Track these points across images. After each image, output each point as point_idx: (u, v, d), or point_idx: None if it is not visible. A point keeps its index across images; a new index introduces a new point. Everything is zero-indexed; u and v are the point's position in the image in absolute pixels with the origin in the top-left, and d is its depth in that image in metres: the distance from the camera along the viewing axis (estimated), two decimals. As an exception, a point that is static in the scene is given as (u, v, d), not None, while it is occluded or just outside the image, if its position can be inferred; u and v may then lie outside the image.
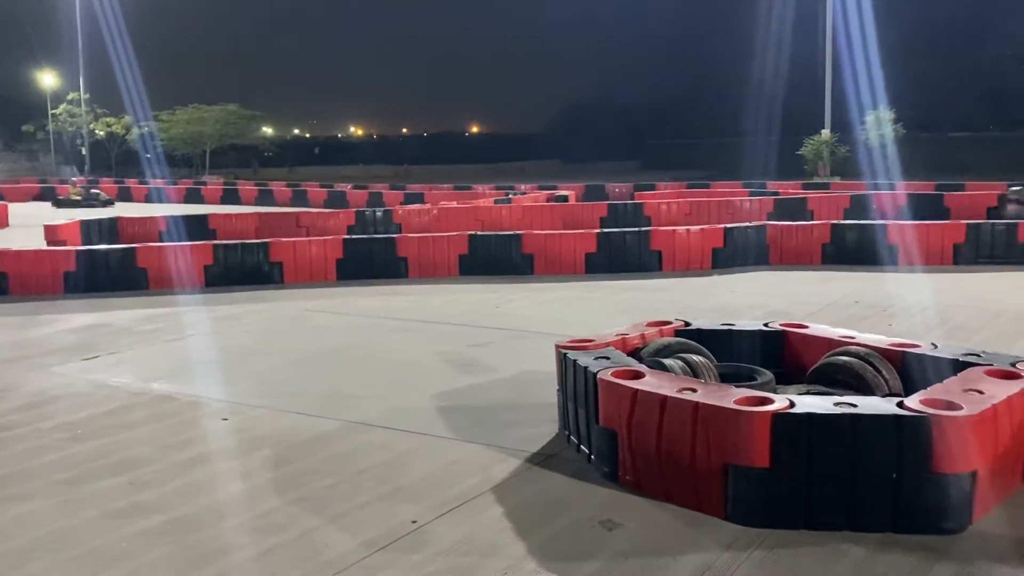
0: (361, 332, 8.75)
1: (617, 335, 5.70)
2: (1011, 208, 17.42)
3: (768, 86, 34.21)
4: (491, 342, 8.07)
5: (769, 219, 16.13)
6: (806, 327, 5.99)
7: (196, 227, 17.08)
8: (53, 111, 55.04)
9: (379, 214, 17.58)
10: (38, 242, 14.81)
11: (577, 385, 5.00)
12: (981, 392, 4.23)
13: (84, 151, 54.07)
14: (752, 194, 21.73)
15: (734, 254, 12.70)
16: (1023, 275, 11.50)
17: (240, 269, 11.94)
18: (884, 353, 5.21)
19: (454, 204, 19.71)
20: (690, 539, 3.96)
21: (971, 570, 3.64)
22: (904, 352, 5.21)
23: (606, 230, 13.46)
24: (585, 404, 4.87)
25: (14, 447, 5.39)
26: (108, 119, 54.81)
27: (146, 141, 51.13)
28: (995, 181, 22.99)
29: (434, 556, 3.85)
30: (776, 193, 21.58)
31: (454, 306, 10.14)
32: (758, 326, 6.07)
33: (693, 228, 13.13)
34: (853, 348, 5.30)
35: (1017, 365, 4.66)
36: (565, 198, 21.97)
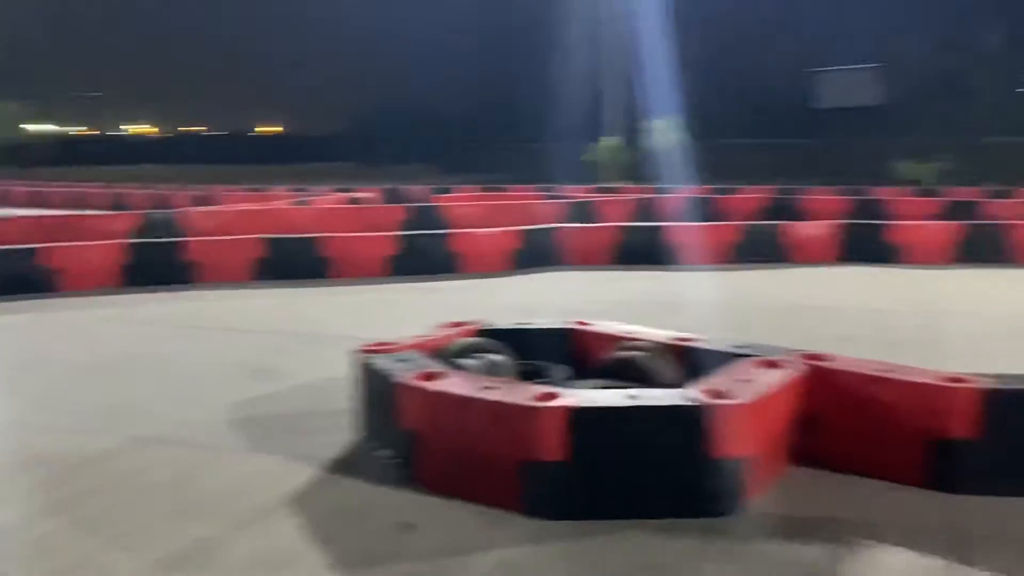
0: (147, 341, 8.30)
1: (417, 337, 5.71)
2: None
3: (568, 91, 35.31)
4: (287, 348, 7.88)
5: (564, 222, 16.65)
6: (597, 324, 6.24)
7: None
8: None
9: (166, 216, 16.70)
10: None
11: (376, 389, 4.97)
12: (752, 381, 4.56)
13: None
14: (548, 198, 22.35)
15: (531, 256, 13.02)
16: (789, 273, 12.47)
17: (6, 277, 10.98)
18: (667, 347, 5.51)
19: (247, 206, 19.06)
20: (489, 536, 4.03)
21: (742, 547, 3.93)
22: (685, 346, 5.53)
23: (406, 232, 13.45)
24: (385, 408, 4.85)
25: None
26: None
27: None
28: (761, 184, 24.85)
29: (227, 572, 3.71)
30: (570, 197, 22.32)
31: (249, 311, 9.82)
32: (553, 324, 6.27)
33: (492, 230, 13.36)
34: (639, 343, 5.57)
35: (783, 355, 5.06)
36: (362, 200, 21.77)
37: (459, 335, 5.90)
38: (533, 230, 13.50)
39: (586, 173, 32.40)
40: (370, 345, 5.40)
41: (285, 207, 18.65)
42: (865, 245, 13.41)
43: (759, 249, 13.32)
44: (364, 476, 4.74)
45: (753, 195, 22.12)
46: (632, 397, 4.32)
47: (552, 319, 6.44)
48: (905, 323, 8.74)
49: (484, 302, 10.16)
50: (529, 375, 5.31)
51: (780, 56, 36.66)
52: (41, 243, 12.00)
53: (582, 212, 18.31)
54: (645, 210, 19.57)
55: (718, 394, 4.32)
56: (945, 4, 34.28)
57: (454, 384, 4.59)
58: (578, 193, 24.32)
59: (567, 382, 5.21)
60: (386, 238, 12.83)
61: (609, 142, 33.15)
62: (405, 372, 4.76)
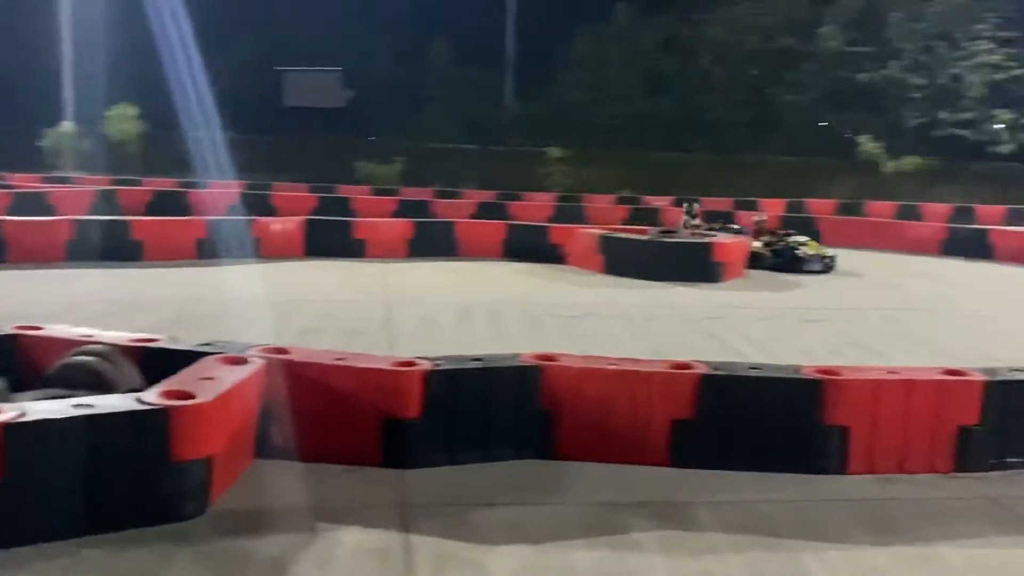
0: None
1: None
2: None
3: (26, 73, 31.35)
4: None
5: (6, 214, 14.78)
6: (42, 328, 5.65)
7: None
8: None
9: None
10: None
11: None
12: (215, 379, 4.49)
13: None
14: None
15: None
16: (258, 267, 12.53)
17: None
18: (125, 349, 5.19)
19: None
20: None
21: (209, 548, 3.86)
22: (144, 347, 5.26)
23: None
24: None
25: None
26: None
27: None
28: (234, 180, 24.65)
29: None
30: (12, 186, 19.90)
31: None
32: (-13, 331, 5.53)
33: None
34: (92, 347, 5.16)
35: (247, 351, 5.06)
36: None
37: None
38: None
39: (40, 161, 29.26)
40: None
41: None
42: (330, 240, 14.01)
43: (228, 244, 13.17)
44: None
45: (224, 190, 21.82)
46: (80, 406, 3.98)
47: (-13, 325, 5.68)
48: (366, 313, 9.31)
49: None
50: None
51: (249, 52, 36.67)
52: None
53: (29, 203, 16.45)
54: (105, 201, 18.22)
55: (178, 395, 4.17)
56: (397, 20, 37.19)
57: None
58: (27, 182, 21.82)
59: (5, 395, 4.62)
60: None
61: (65, 128, 30.23)
62: None
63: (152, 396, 4.15)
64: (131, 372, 5.02)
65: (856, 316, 10.34)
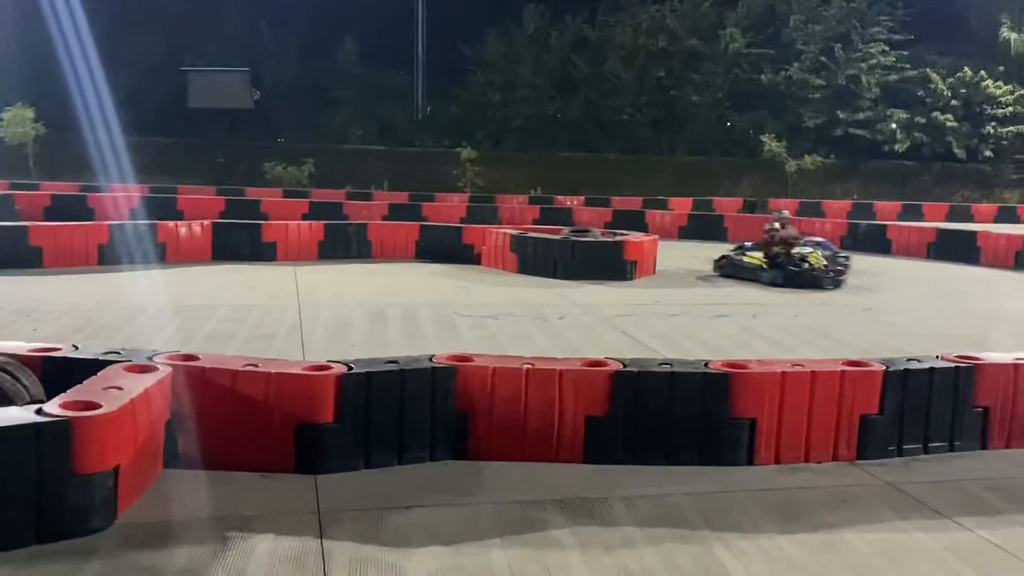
0: None
1: None
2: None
3: None
4: None
5: None
6: (-67, 341, 5.40)
7: None
8: None
9: None
10: None
11: None
12: (120, 388, 4.36)
13: None
14: None
15: None
16: (164, 273, 12.21)
17: None
18: (23, 360, 4.99)
19: None
20: None
21: (116, 562, 3.75)
22: (44, 356, 5.07)
23: None
24: None
25: None
26: None
27: None
28: (140, 184, 23.96)
29: None
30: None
31: None
32: None
33: None
34: (-11, 358, 4.95)
35: (153, 358, 4.94)
36: None
37: None
38: None
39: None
40: None
41: None
42: (239, 244, 13.75)
43: (131, 249, 12.81)
44: None
45: (127, 193, 21.19)
46: (-24, 419, 3.82)
47: None
48: (277, 317, 9.16)
49: None
50: None
51: (153, 52, 35.61)
52: None
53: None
54: (0, 207, 17.51)
55: (82, 406, 4.04)
56: (303, 19, 36.65)
57: None
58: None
59: None
60: None
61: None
62: None
63: (53, 408, 4.01)
64: (31, 383, 4.83)
65: (763, 311, 10.63)
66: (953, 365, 5.61)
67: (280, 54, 37.76)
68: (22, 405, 4.49)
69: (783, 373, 5.28)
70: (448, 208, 21.49)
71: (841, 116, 36.45)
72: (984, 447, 5.66)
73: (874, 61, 36.71)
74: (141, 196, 20.63)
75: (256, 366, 4.92)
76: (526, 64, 37.49)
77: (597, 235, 14.13)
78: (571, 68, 37.74)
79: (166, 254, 13.16)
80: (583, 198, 26.25)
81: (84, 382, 4.47)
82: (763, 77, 36.97)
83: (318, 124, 36.40)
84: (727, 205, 27.21)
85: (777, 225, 13.07)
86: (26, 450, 3.83)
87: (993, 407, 5.67)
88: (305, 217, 17.72)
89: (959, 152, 36.48)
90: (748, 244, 13.84)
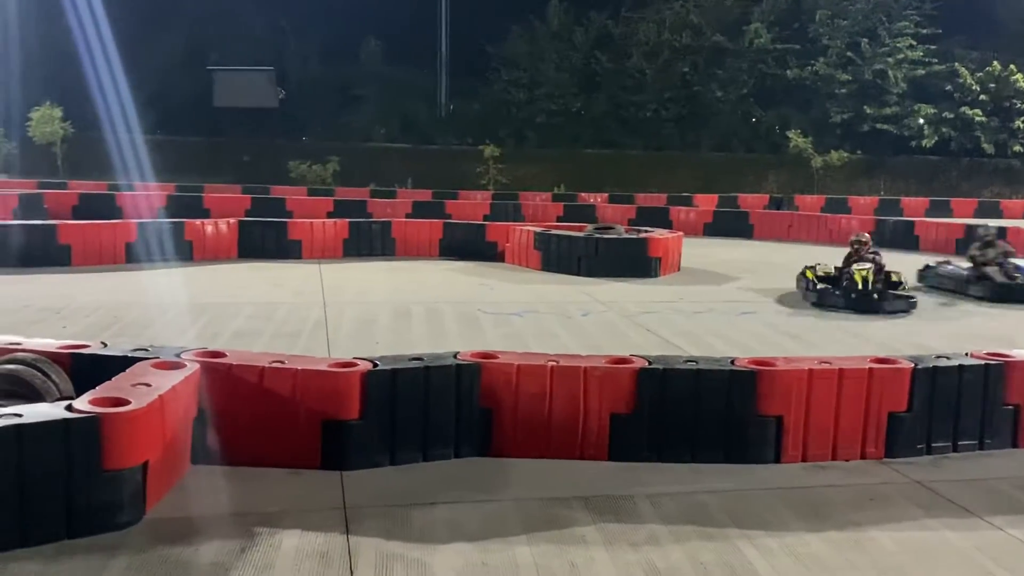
0: None
1: None
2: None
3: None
4: None
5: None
6: (-35, 338, 5.47)
7: None
8: None
9: None
10: None
11: None
12: (149, 385, 4.40)
13: None
14: None
15: None
16: (191, 270, 12.32)
17: None
18: (53, 357, 5.05)
19: None
20: None
21: (145, 557, 3.78)
22: (73, 353, 5.13)
23: None
24: None
25: None
26: None
27: None
28: (165, 182, 24.20)
29: None
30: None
31: None
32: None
33: None
34: (20, 355, 5.01)
35: (181, 355, 4.98)
36: None
37: None
38: None
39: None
40: None
41: None
42: (265, 241, 13.83)
43: (158, 248, 12.93)
44: None
45: (154, 191, 21.39)
46: (8, 416, 3.87)
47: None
48: (303, 315, 9.21)
49: None
50: None
51: (179, 52, 35.93)
52: None
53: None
54: (28, 205, 17.72)
55: (110, 402, 4.08)
56: (327, 18, 36.80)
57: None
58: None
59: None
60: None
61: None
62: None
63: (83, 404, 4.05)
64: (61, 380, 4.89)
65: (789, 308, 10.55)
66: (983, 363, 5.54)
67: (304, 53, 37.96)
68: (52, 401, 4.54)
69: (810, 371, 5.24)
70: (471, 206, 21.51)
71: (868, 111, 36.14)
72: (1015, 445, 5.58)
73: (901, 56, 36.36)
74: (168, 195, 20.81)
75: (283, 363, 4.95)
76: (549, 61, 37.46)
77: (621, 232, 14.10)
78: (595, 64, 37.69)
79: (193, 252, 13.26)
80: (607, 195, 26.17)
81: (113, 379, 4.51)
82: (788, 72, 36.75)
83: (342, 123, 36.57)
84: (752, 202, 27.03)
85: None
86: (56, 446, 3.87)
87: (1024, 405, 5.60)
88: (330, 215, 17.82)
89: (988, 147, 36.06)
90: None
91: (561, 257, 13.13)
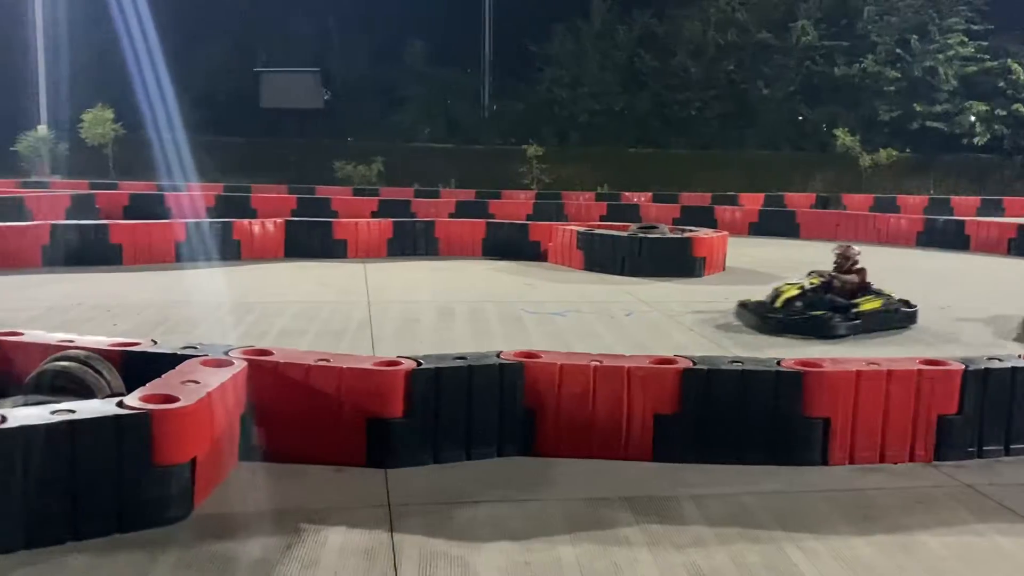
0: None
1: None
2: None
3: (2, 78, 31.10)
4: None
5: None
6: (21, 334, 5.61)
7: None
8: None
9: None
10: None
11: None
12: (197, 382, 4.47)
13: None
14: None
15: (-63, 259, 11.24)
16: (237, 270, 12.48)
17: None
18: (104, 354, 5.15)
19: None
20: None
21: (193, 552, 3.84)
22: (124, 351, 5.23)
23: None
24: None
25: None
26: None
27: None
28: (213, 182, 24.58)
29: None
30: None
31: None
32: (-37, 339, 5.49)
33: None
34: (72, 352, 5.12)
35: (229, 353, 5.05)
36: None
37: None
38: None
39: (15, 166, 29.05)
40: None
41: None
42: (310, 241, 13.97)
43: (207, 247, 13.11)
44: None
45: (203, 191, 21.71)
46: (61, 411, 3.96)
47: (-38, 333, 5.64)
48: (348, 313, 9.29)
49: None
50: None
51: (226, 53, 36.44)
52: None
53: (7, 208, 16.31)
54: (82, 206, 18.09)
55: (160, 399, 4.16)
56: (372, 20, 37.06)
57: None
58: (2, 187, 21.63)
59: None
60: None
61: (38, 133, 29.96)
62: None
63: (134, 400, 4.13)
64: (112, 377, 4.99)
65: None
66: (1037, 364, 5.42)
67: (350, 55, 38.25)
68: (103, 398, 4.64)
69: (858, 372, 5.16)
70: (514, 205, 21.52)
71: (917, 109, 35.49)
72: (1070, 450, 5.45)
73: (952, 52, 35.63)
74: (216, 195, 21.12)
75: (328, 361, 5.00)
76: (593, 59, 37.33)
77: (665, 232, 14.01)
78: (638, 63, 37.46)
79: (240, 252, 13.43)
80: (650, 194, 26.02)
81: (162, 376, 4.59)
82: (836, 70, 36.21)
83: (386, 123, 36.77)
84: (799, 201, 26.69)
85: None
86: (108, 441, 3.96)
87: (1080, 408, 5.46)
88: (374, 215, 17.94)
89: (1042, 145, 35.20)
90: None
91: (604, 257, 13.08)
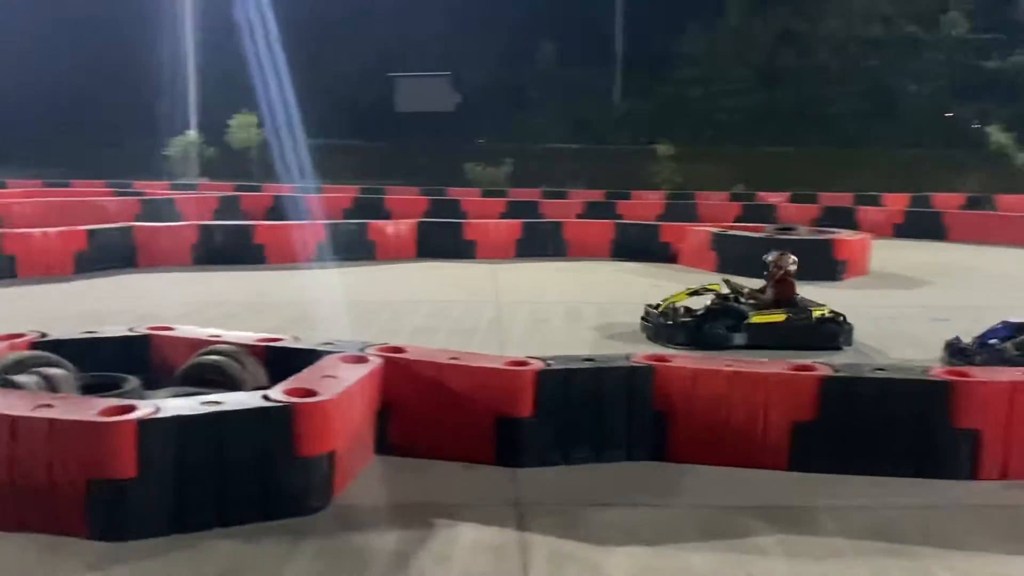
0: None
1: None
2: None
3: (139, 84, 33.06)
4: None
5: (136, 220, 15.57)
6: (173, 329, 5.93)
7: None
8: None
9: None
10: None
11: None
12: (336, 377, 4.62)
13: None
14: (116, 194, 20.79)
15: (99, 257, 11.99)
16: (373, 269, 12.83)
17: None
18: (250, 349, 5.39)
19: None
20: (50, 567, 3.65)
21: (333, 542, 3.97)
22: (268, 346, 5.45)
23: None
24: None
25: None
26: None
27: None
28: (349, 184, 25.33)
29: None
30: (142, 193, 20.95)
31: None
32: (123, 331, 5.84)
33: (51, 230, 12.06)
34: (220, 346, 5.38)
35: (365, 350, 5.19)
36: None
37: (10, 348, 5.26)
38: (99, 230, 12.43)
39: (166, 169, 30.72)
40: None
41: None
42: (442, 242, 14.21)
43: (344, 247, 13.51)
44: None
45: (339, 194, 22.41)
46: (210, 403, 4.16)
47: (122, 326, 5.99)
48: (477, 313, 9.41)
49: (46, 309, 9.18)
50: (95, 388, 4.88)
51: (364, 60, 37.57)
52: None
53: (160, 209, 17.28)
54: (228, 208, 18.97)
55: (301, 392, 4.31)
56: (503, 23, 37.43)
57: (4, 404, 4.08)
58: (155, 190, 22.90)
59: (138, 392, 4.87)
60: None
61: (188, 137, 31.64)
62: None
63: (277, 393, 4.30)
64: (257, 370, 5.21)
65: (986, 316, 9.84)
66: None
67: (480, 58, 38.76)
68: (248, 390, 4.85)
69: (1012, 383, 4.87)
70: (644, 206, 21.28)
71: (1079, 103, 33.22)
72: None
73: (1119, 42, 33.21)
74: (352, 197, 21.75)
75: (459, 360, 5.07)
76: (728, 57, 36.57)
77: (803, 233, 13.57)
78: (776, 60, 36.48)
79: (375, 252, 13.79)
80: (788, 194, 25.26)
81: (303, 371, 4.76)
82: (989, 64, 34.28)
83: (516, 124, 37.06)
84: (947, 201, 25.37)
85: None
86: (253, 432, 4.14)
87: None
88: (503, 216, 18.08)
89: None
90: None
91: (739, 259, 12.76)
